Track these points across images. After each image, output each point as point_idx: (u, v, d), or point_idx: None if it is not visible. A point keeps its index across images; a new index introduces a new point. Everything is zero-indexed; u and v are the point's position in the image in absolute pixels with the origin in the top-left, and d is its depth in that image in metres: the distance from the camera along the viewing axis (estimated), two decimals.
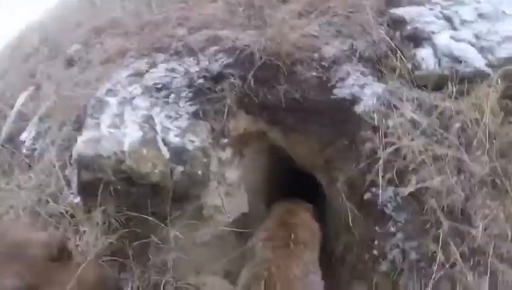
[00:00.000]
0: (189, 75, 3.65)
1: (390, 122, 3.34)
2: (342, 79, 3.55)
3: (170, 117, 3.46)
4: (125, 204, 3.19)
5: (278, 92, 3.55)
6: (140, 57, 4.02)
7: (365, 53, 3.69)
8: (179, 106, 3.53)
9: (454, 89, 3.36)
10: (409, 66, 3.61)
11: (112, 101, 3.48)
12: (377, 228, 3.24)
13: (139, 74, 3.80)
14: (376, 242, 3.24)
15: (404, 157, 3.19)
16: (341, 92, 3.50)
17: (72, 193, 3.46)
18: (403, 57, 3.61)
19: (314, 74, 3.56)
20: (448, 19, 3.71)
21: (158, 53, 3.98)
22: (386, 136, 3.28)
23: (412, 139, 3.24)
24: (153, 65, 3.88)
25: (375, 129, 3.33)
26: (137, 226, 3.24)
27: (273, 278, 2.58)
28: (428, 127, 3.27)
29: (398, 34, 3.80)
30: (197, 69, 3.69)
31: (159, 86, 3.68)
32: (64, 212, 3.31)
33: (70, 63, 4.63)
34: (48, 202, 3.38)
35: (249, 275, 2.69)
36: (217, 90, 3.57)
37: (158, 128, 3.28)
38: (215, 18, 3.92)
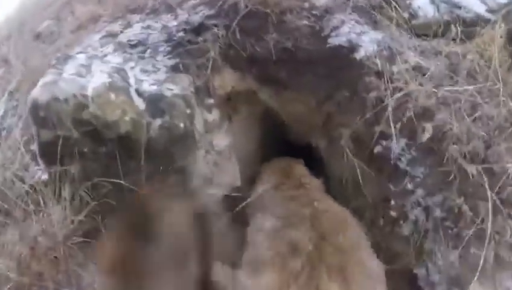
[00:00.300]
0: (167, 30, 3.17)
1: (395, 68, 2.98)
2: (337, 28, 3.18)
3: (146, 71, 2.93)
4: (93, 169, 2.60)
5: (267, 43, 3.12)
6: (114, 20, 3.49)
7: (358, 2, 3.36)
8: (156, 60, 3.02)
9: (458, 33, 3.08)
10: (406, 15, 3.34)
11: (80, 56, 2.92)
12: (391, 186, 2.80)
13: (112, 35, 3.27)
14: (393, 202, 2.79)
15: (415, 103, 2.81)
16: (337, 40, 3.12)
17: (40, 169, 2.84)
18: (398, 7, 3.33)
19: (306, 22, 3.17)
20: None
21: (133, 14, 3.48)
22: (391, 81, 2.90)
23: (421, 84, 2.87)
24: (128, 26, 3.36)
25: (379, 75, 2.95)
26: (110, 197, 2.64)
27: (319, 214, 2.09)
28: (436, 72, 2.93)
29: None
30: (175, 23, 3.21)
31: (134, 42, 3.17)
32: (30, 191, 2.70)
33: (39, 37, 4.05)
34: (13, 181, 2.78)
35: (274, 224, 2.08)
36: (198, 41, 3.09)
37: (131, 80, 2.74)
38: None
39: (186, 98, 2.80)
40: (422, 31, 3.30)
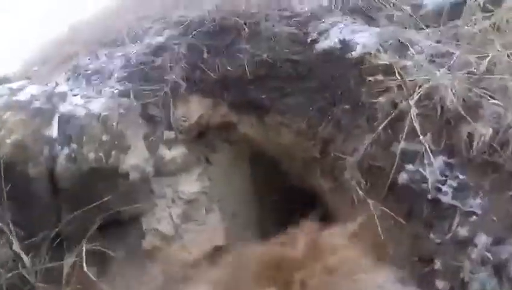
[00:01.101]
0: (126, 56, 2.55)
1: (408, 61, 2.05)
2: (326, 31, 2.39)
3: (88, 97, 2.26)
4: None
5: (241, 60, 2.37)
6: (87, 55, 2.99)
7: (348, 4, 2.61)
8: (105, 87, 2.35)
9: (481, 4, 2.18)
10: (408, 8, 2.52)
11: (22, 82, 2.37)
12: (433, 237, 1.68)
13: (77, 68, 2.73)
14: (438, 264, 1.64)
15: (447, 101, 1.81)
16: (327, 43, 2.30)
17: None
18: (397, 2, 2.54)
19: (286, 29, 2.41)
20: None
21: (104, 47, 2.94)
22: (406, 77, 1.96)
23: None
24: (96, 58, 2.83)
25: (388, 72, 2.02)
26: None
27: None
28: (463, 58, 1.97)
29: None
30: (137, 48, 2.60)
31: (90, 71, 2.58)
32: None
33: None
34: None
35: None
36: (156, 64, 2.41)
37: (62, 105, 2.07)
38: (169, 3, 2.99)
39: (106, 120, 2.02)
40: (432, 21, 2.44)
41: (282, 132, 2.35)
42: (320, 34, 2.38)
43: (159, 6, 3.02)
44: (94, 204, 1.97)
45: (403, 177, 1.87)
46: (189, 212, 2.48)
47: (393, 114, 1.92)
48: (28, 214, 1.97)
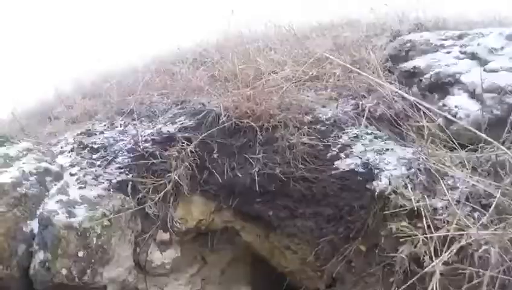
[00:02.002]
0: (136, 138, 2.36)
1: (438, 203, 1.73)
2: (348, 146, 2.11)
3: (84, 182, 2.06)
4: None
5: (251, 168, 2.12)
6: (103, 120, 2.85)
7: (376, 112, 2.34)
8: (105, 171, 2.15)
9: None
10: (440, 120, 2.20)
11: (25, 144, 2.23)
12: None
13: (88, 134, 2.58)
14: None
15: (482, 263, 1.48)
16: (347, 163, 2.02)
17: None
18: (428, 112, 2.22)
19: (305, 139, 2.15)
20: (473, 55, 2.46)
21: (121, 116, 2.79)
22: (435, 228, 1.65)
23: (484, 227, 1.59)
24: (110, 127, 2.67)
25: (413, 215, 1.71)
26: None
27: None
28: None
29: (415, 88, 2.55)
30: (148, 132, 2.41)
31: (97, 146, 2.40)
32: None
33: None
34: None
35: None
36: (162, 159, 2.19)
37: (54, 189, 1.87)
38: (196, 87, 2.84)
39: (86, 233, 1.78)
40: (465, 138, 2.07)
41: (287, 255, 2.04)
42: (341, 149, 2.11)
43: (182, 87, 2.86)
44: None
45: None
46: None
47: (414, 276, 1.57)
48: None
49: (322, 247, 1.90)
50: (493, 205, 1.68)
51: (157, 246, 2.12)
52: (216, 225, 2.21)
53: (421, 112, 2.27)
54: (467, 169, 1.93)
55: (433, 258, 1.58)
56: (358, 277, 1.78)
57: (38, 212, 1.86)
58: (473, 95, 2.29)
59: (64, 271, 1.70)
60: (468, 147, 2.03)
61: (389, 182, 1.85)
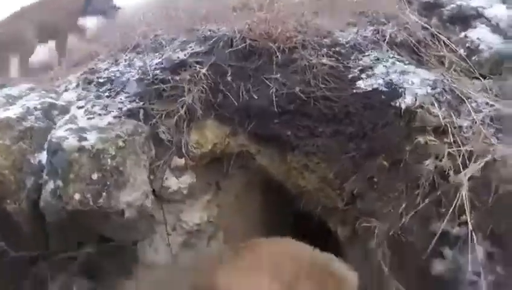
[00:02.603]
0: (144, 68, 2.19)
1: (464, 121, 1.64)
2: (369, 67, 1.98)
3: (92, 113, 1.91)
4: None
5: (269, 89, 1.98)
6: (106, 58, 2.63)
7: (397, 38, 2.18)
8: (113, 101, 2.00)
9: None
10: (461, 51, 2.10)
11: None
12: None
13: (92, 72, 2.40)
14: None
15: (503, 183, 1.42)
16: (370, 82, 1.89)
17: None
18: (449, 42, 2.11)
19: (325, 60, 2.01)
20: None
21: (124, 52, 2.58)
22: (462, 143, 1.56)
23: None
24: (114, 64, 2.48)
25: (439, 131, 1.62)
26: None
27: None
28: None
29: (435, 19, 2.44)
30: (156, 61, 2.23)
31: (102, 80, 2.24)
32: None
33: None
34: None
35: None
36: (173, 83, 2.04)
37: (57, 119, 1.73)
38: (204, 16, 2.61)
39: (99, 155, 1.65)
40: (486, 69, 2.03)
41: (305, 175, 1.96)
42: (362, 70, 1.98)
43: (188, 18, 2.63)
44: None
45: (437, 265, 1.48)
46: (191, 241, 2.14)
47: (440, 187, 1.52)
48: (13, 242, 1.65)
49: (342, 164, 1.82)
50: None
51: (172, 172, 2.02)
52: (231, 150, 2.11)
53: (442, 42, 2.16)
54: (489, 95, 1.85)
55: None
56: (380, 193, 1.72)
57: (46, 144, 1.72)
58: (495, 29, 2.21)
59: (77, 196, 1.59)
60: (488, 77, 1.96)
61: (415, 98, 1.74)
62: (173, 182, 1.99)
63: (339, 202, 1.92)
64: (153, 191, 2.03)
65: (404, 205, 1.60)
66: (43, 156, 1.73)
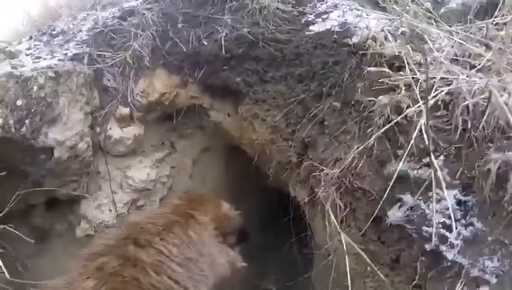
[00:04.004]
0: (96, 19, 2.00)
1: (423, 57, 1.41)
2: (325, 13, 1.75)
3: (36, 57, 1.72)
4: None
5: (219, 33, 1.77)
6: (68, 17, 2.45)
7: None
8: (61, 47, 1.81)
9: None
10: (428, 4, 1.87)
11: None
12: None
13: (49, 27, 2.20)
14: None
15: (469, 117, 1.17)
16: (324, 25, 1.67)
17: None
18: None
19: (279, 6, 1.79)
20: None
21: (85, 10, 2.39)
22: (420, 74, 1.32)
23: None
24: (73, 19, 2.28)
25: (394, 65, 1.39)
26: None
27: None
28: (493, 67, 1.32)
29: None
30: (111, 10, 2.05)
31: (56, 32, 2.05)
32: None
33: None
34: None
35: None
36: (121, 29, 1.84)
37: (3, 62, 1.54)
38: None
39: (26, 82, 1.46)
40: (455, 22, 1.77)
41: (256, 125, 1.74)
42: (318, 15, 1.76)
43: None
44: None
45: (395, 213, 1.23)
46: (140, 202, 1.91)
47: (395, 120, 1.28)
48: None
49: (292, 109, 1.59)
50: (482, 63, 1.36)
51: (117, 122, 1.82)
52: (182, 101, 1.90)
53: None
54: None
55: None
56: (331, 137, 1.48)
57: None
58: None
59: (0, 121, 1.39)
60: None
61: (368, 33, 1.51)
62: (117, 132, 1.78)
63: (292, 156, 1.69)
64: (99, 144, 1.83)
65: (356, 146, 1.36)
66: None
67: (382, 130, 1.32)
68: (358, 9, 1.77)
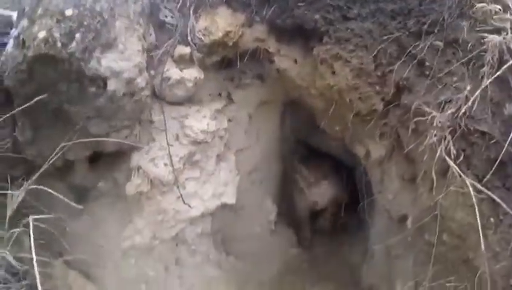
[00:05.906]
0: None
1: None
2: None
3: None
4: None
5: None
6: None
7: None
8: None
9: None
10: None
11: None
12: None
13: None
14: None
15: None
16: None
17: None
18: None
19: None
20: None
21: None
22: None
23: None
24: None
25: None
26: None
27: None
28: None
29: None
30: None
31: None
32: None
33: None
34: None
35: None
36: None
37: None
38: None
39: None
40: None
41: (336, 68, 1.53)
42: None
43: None
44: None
45: None
46: (196, 157, 1.70)
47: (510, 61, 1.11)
48: None
49: (384, 48, 1.39)
50: None
51: (175, 62, 1.56)
52: (246, 43, 1.66)
53: None
54: None
55: None
56: (434, 80, 1.31)
57: None
58: None
59: (41, 34, 1.09)
60: None
61: None
62: (177, 73, 1.52)
63: (378, 103, 1.51)
64: (153, 89, 1.58)
65: (467, 88, 1.19)
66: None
67: (500, 72, 1.16)
68: None
